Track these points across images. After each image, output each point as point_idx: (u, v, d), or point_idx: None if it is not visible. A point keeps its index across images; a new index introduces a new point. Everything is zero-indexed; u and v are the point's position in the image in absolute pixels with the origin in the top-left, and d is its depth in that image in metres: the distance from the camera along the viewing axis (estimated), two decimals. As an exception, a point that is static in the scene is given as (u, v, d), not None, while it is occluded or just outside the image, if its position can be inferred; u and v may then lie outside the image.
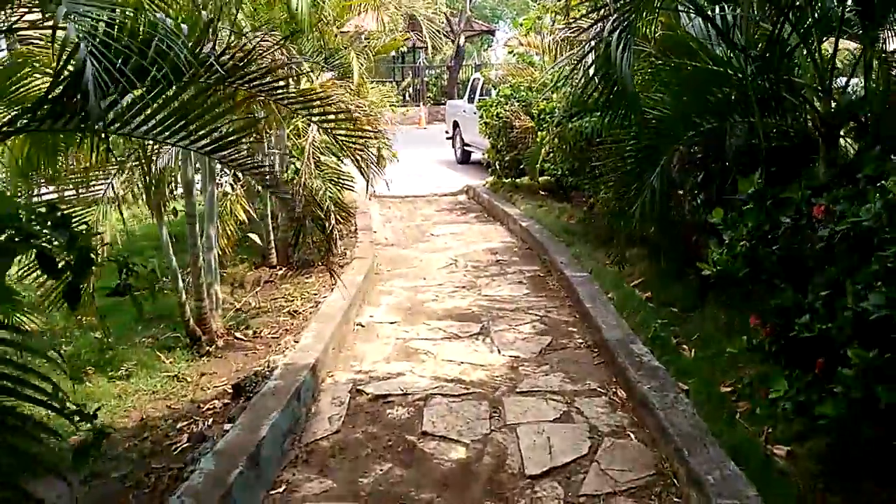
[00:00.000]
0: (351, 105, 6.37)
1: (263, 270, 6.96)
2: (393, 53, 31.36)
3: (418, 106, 28.10)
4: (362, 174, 8.46)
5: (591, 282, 6.12)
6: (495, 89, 11.63)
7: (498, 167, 11.02)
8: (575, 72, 5.45)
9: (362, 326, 5.61)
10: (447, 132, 16.86)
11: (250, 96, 3.23)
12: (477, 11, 34.24)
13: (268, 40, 5.59)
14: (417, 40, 30.81)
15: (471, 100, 14.86)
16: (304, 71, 5.74)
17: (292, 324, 5.42)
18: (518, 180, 11.17)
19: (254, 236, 6.34)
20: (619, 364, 4.47)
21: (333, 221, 6.96)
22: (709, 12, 4.52)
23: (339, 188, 7.29)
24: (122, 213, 5.02)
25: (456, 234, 9.06)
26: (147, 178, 4.72)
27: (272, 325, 5.43)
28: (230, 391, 4.24)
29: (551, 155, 7.79)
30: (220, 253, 6.40)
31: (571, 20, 6.37)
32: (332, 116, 4.12)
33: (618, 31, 3.55)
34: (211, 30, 2.74)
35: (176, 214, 7.28)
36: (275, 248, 7.12)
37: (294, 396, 3.86)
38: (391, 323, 5.70)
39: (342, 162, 7.86)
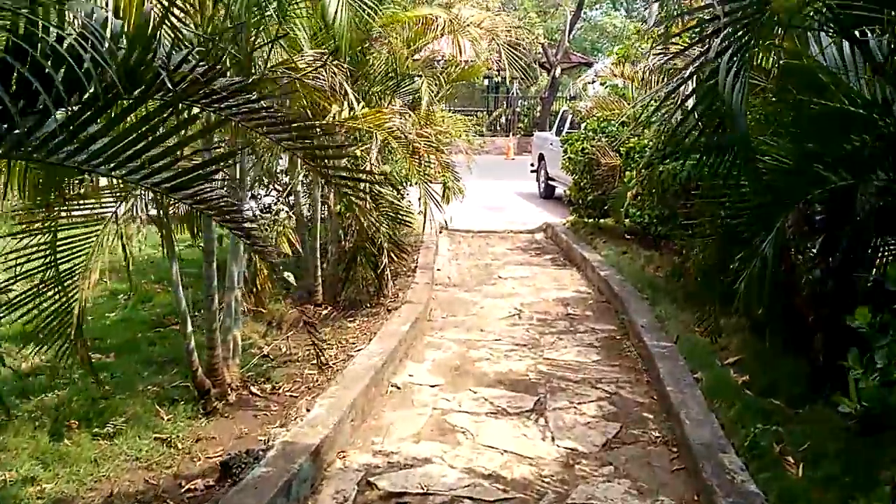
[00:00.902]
0: (411, 134, 5.62)
1: (307, 308, 6.24)
2: (486, 82, 30.94)
3: (507, 136, 27.36)
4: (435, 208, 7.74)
5: (675, 355, 5.04)
6: (583, 123, 10.67)
7: (580, 206, 10.02)
8: (670, 103, 4.51)
9: (398, 388, 4.78)
10: (532, 164, 15.96)
11: (221, 121, 2.49)
12: (576, 44, 33.28)
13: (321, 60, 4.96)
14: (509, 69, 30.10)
15: (559, 132, 13.93)
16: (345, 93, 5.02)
17: (317, 380, 4.65)
18: (602, 221, 10.13)
19: (289, 275, 5.66)
20: (703, 479, 3.41)
21: (386, 260, 6.21)
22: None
23: (396, 223, 6.56)
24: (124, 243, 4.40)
25: (526, 279, 8.12)
26: (160, 206, 4.12)
27: (295, 379, 4.69)
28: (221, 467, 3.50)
29: (639, 199, 6.76)
30: (258, 289, 5.79)
31: (671, 44, 5.39)
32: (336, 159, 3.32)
33: (729, 52, 2.60)
34: (160, 33, 2.01)
35: (220, 242, 6.73)
36: (322, 284, 6.43)
37: (282, 491, 3.06)
38: (432, 386, 4.83)
39: (403, 195, 7.14)
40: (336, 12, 3.71)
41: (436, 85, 7.20)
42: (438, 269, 8.45)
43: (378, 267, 6.35)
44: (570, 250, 9.24)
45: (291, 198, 6.76)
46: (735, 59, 2.60)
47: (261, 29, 4.39)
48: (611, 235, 9.52)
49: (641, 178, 6.14)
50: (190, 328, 4.22)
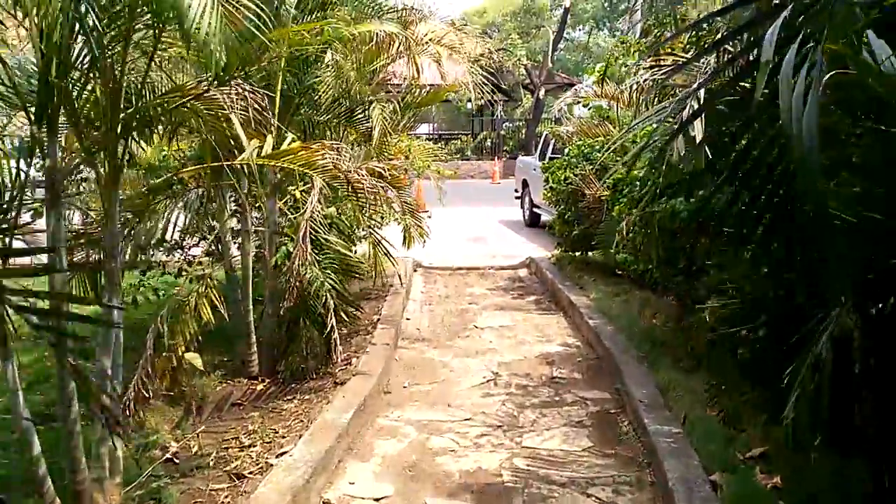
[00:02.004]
0: (351, 173, 4.53)
1: (238, 384, 5.14)
2: (469, 105, 30.06)
3: (493, 160, 26.42)
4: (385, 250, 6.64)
5: (684, 445, 3.92)
6: (566, 147, 9.63)
7: (565, 240, 8.94)
8: (665, 130, 3.46)
9: (330, 507, 3.64)
10: (516, 191, 14.93)
11: None
12: (560, 64, 32.54)
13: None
14: (492, 93, 29.21)
15: (542, 157, 12.92)
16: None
17: (226, 499, 3.51)
18: (590, 254, 9.05)
19: (195, 357, 4.51)
20: None
21: (333, 321, 5.08)
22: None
23: (347, 276, 5.45)
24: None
25: (505, 329, 7.01)
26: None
27: (197, 499, 3.54)
28: None
29: (630, 237, 5.67)
30: (175, 365, 4.65)
31: (666, 55, 4.35)
32: None
33: (798, 41, 1.55)
34: None
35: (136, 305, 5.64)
36: (258, 352, 5.30)
37: None
38: (377, 500, 3.69)
39: (355, 239, 6.04)
40: (201, 18, 2.57)
41: (393, 112, 6.13)
42: (408, 319, 7.34)
43: (325, 329, 5.22)
44: (556, 291, 8.14)
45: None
46: (809, 50, 1.54)
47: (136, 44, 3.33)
48: (600, 272, 8.43)
49: (634, 217, 5.06)
50: (38, 449, 3.07)
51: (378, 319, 6.62)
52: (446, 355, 6.18)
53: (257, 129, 4.38)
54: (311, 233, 5.11)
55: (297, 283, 5.09)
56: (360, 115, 6.20)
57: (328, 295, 5.06)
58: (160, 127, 3.93)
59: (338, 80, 5.72)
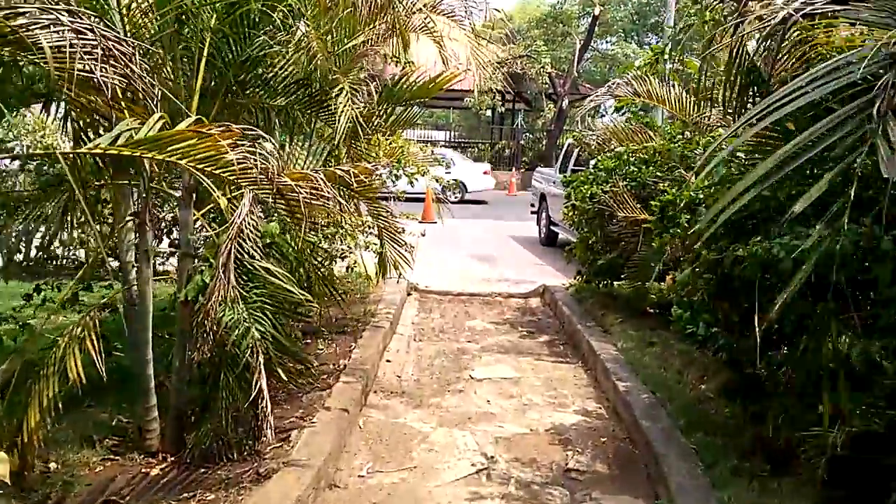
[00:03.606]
0: (280, 177, 3.00)
1: (128, 463, 3.62)
2: (489, 113, 28.54)
3: (510, 170, 24.85)
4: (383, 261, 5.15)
5: None
6: (593, 159, 8.02)
7: (588, 269, 7.33)
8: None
9: None
10: (532, 206, 13.34)
11: None
12: (586, 75, 30.91)
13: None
14: (515, 99, 27.73)
15: (563, 169, 11.36)
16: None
17: None
18: (616, 284, 7.46)
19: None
20: None
21: (263, 381, 3.54)
22: None
23: (287, 317, 3.93)
24: None
25: (508, 382, 5.42)
26: None
27: None
28: None
29: (690, 287, 4.01)
30: (24, 441, 3.15)
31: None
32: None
33: None
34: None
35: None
36: (159, 417, 3.78)
37: None
38: None
39: (308, 268, 4.49)
40: None
41: (370, 97, 4.59)
42: (388, 361, 5.80)
43: (252, 390, 3.68)
44: (574, 332, 6.55)
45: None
46: None
47: None
48: (628, 309, 6.83)
49: (700, 264, 3.47)
50: None
51: (344, 366, 5.07)
52: (427, 422, 4.62)
53: (139, 102, 2.90)
54: (239, 257, 3.58)
55: (214, 329, 3.56)
56: (329, 104, 4.68)
57: (257, 345, 3.52)
58: None
59: (297, 53, 4.21)
